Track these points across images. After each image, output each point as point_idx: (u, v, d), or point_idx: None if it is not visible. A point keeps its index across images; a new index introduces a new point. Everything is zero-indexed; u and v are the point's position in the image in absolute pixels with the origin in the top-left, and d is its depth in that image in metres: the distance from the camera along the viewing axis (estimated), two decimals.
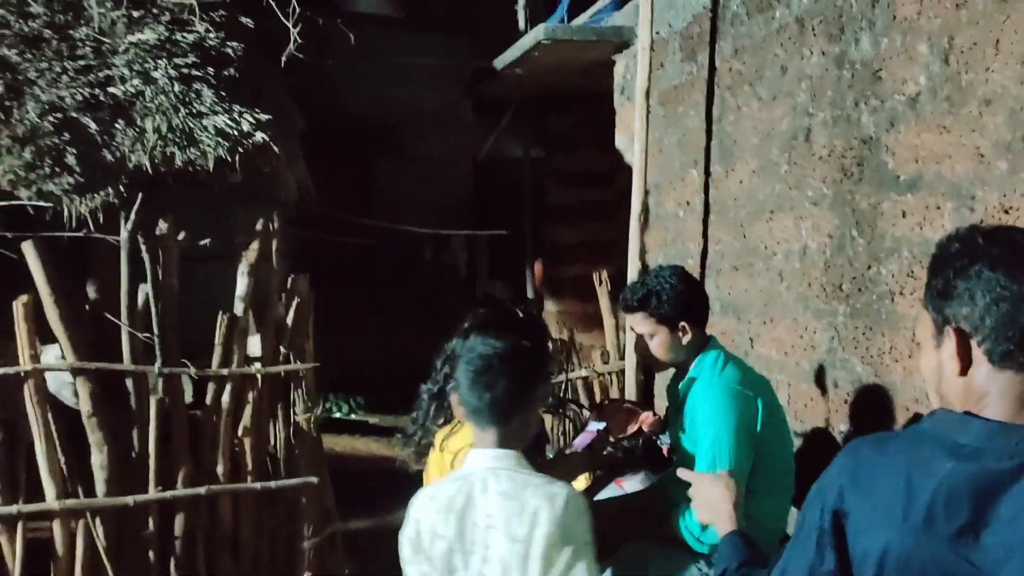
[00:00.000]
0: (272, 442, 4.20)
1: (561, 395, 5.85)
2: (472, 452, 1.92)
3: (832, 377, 3.50)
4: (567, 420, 5.71)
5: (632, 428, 2.94)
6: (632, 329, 2.81)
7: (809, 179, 3.62)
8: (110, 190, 3.97)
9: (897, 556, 1.25)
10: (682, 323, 2.75)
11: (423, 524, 1.88)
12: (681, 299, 2.77)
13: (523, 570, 1.77)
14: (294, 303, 4.19)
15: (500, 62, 6.77)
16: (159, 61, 4.26)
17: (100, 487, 3.82)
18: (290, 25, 4.69)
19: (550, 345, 2.44)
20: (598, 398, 5.12)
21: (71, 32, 4.31)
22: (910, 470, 1.27)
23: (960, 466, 1.23)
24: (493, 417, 1.87)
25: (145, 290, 3.90)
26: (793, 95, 3.73)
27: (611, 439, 2.84)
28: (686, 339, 2.76)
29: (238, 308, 4.10)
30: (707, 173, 4.44)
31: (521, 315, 2.56)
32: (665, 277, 2.79)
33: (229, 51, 4.47)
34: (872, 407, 3.28)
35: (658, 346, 2.78)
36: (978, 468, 1.22)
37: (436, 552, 1.85)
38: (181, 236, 3.96)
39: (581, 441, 2.69)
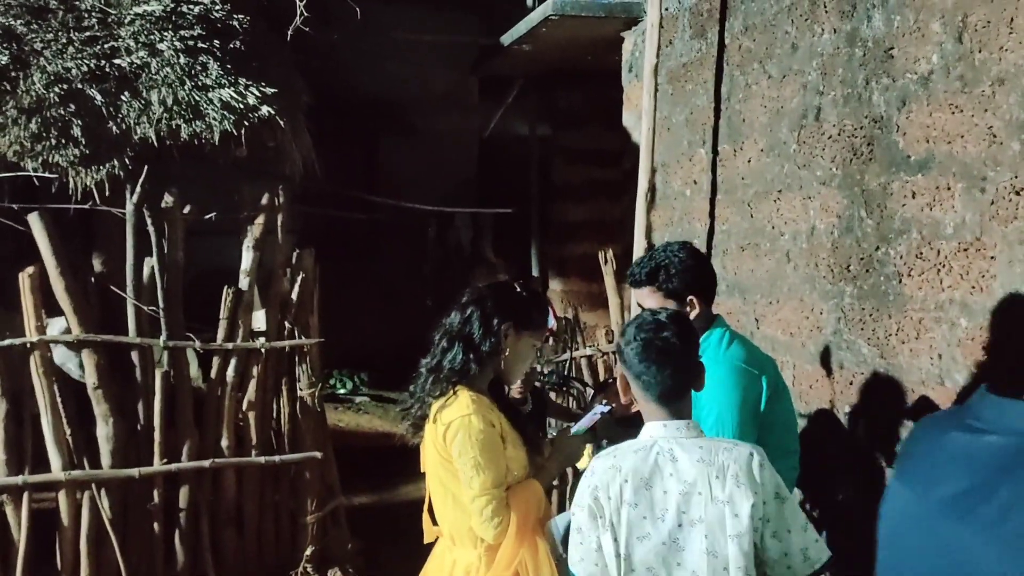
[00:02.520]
0: (276, 417, 4.21)
1: (565, 373, 5.85)
2: (648, 424, 2.06)
3: (838, 358, 3.49)
4: (571, 398, 5.72)
5: (635, 407, 2.93)
6: (639, 305, 2.78)
7: (818, 158, 3.59)
8: (115, 162, 3.95)
9: (893, 514, 1.28)
10: (690, 297, 2.73)
11: (605, 492, 1.98)
12: (689, 273, 2.75)
13: (733, 526, 1.88)
14: (299, 278, 4.20)
15: (508, 38, 6.72)
16: (165, 33, 4.22)
17: (106, 459, 3.84)
18: None
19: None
20: (602, 377, 5.11)
21: (77, 3, 4.28)
22: (932, 439, 1.30)
23: (963, 436, 1.24)
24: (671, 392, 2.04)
25: (151, 263, 3.91)
26: (803, 73, 3.69)
27: (613, 418, 2.83)
28: (694, 314, 2.73)
29: (243, 282, 4.10)
30: (715, 152, 4.41)
31: (519, 290, 2.57)
32: (673, 251, 2.77)
33: (235, 24, 4.43)
34: (877, 389, 3.27)
35: None
36: (978, 439, 1.22)
37: (623, 518, 1.95)
38: (187, 210, 3.96)
39: (584, 423, 2.68)
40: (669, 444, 1.99)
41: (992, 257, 2.75)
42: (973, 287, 2.82)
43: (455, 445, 2.34)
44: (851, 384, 3.42)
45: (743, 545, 1.88)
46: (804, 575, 1.93)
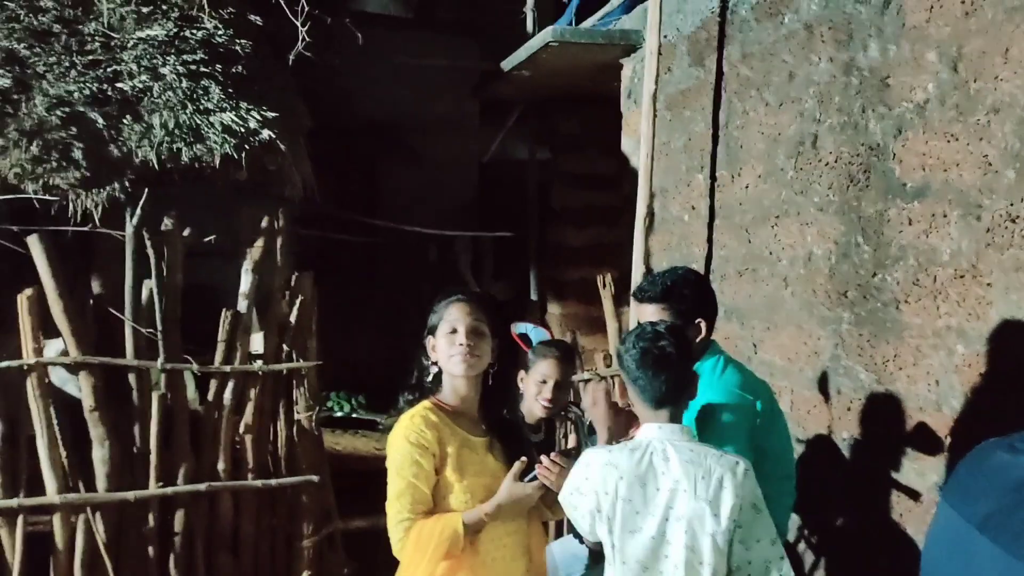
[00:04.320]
0: (273, 440, 4.20)
1: None
2: (645, 426, 2.18)
3: (835, 384, 3.49)
4: (568, 422, 5.70)
5: (633, 432, 2.93)
6: (639, 323, 2.77)
7: (815, 185, 3.61)
8: (116, 185, 3.97)
9: (935, 531, 1.30)
10: (699, 320, 2.75)
11: (603, 488, 2.10)
12: (699, 295, 2.80)
13: (712, 524, 2.01)
14: (298, 301, 4.20)
15: (508, 63, 6.77)
16: (167, 57, 4.26)
17: (101, 482, 3.83)
18: (298, 24, 4.70)
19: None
20: None
21: (80, 27, 4.32)
22: (977, 459, 1.32)
23: (1005, 456, 1.26)
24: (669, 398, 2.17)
25: (149, 286, 3.91)
26: (800, 101, 3.72)
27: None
28: (699, 337, 2.75)
29: (242, 305, 4.11)
30: (713, 178, 4.43)
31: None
32: (683, 274, 2.82)
33: (237, 48, 4.47)
34: (875, 415, 3.27)
35: None
36: (1017, 459, 1.24)
37: (617, 513, 2.08)
38: (186, 232, 3.97)
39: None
40: (663, 444, 2.12)
41: (988, 284, 2.76)
42: (970, 314, 2.83)
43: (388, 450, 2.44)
44: (849, 410, 3.41)
45: (718, 543, 2.01)
46: None
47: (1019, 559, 1.15)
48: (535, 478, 2.38)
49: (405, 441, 2.38)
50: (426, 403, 2.46)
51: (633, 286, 4.72)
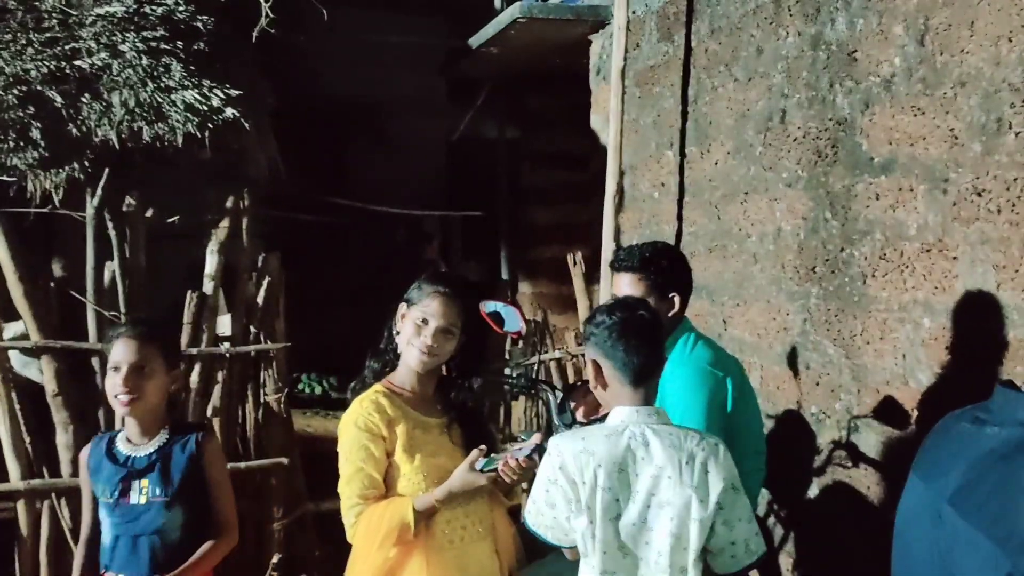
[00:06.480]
0: (242, 422, 4.16)
1: (534, 377, 5.85)
2: (618, 409, 2.08)
3: (804, 359, 3.51)
4: (539, 402, 5.71)
5: (603, 410, 2.91)
6: (614, 296, 2.74)
7: (784, 161, 3.62)
8: (76, 165, 3.89)
9: (907, 505, 1.32)
10: (673, 294, 2.74)
11: (580, 477, 2.01)
12: (676, 269, 2.79)
13: (699, 511, 1.97)
14: (265, 282, 4.15)
15: (476, 40, 6.71)
16: (127, 34, 4.16)
17: (65, 467, 3.78)
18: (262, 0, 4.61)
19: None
20: (571, 380, 5.11)
21: (37, 3, 4.21)
22: (943, 432, 1.33)
23: (969, 427, 1.27)
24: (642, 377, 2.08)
25: (112, 267, 3.85)
26: (769, 76, 3.72)
27: (581, 421, 2.81)
28: (671, 312, 2.73)
29: (207, 287, 4.06)
30: (682, 154, 4.43)
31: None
32: (662, 248, 2.82)
33: (199, 25, 4.37)
34: (843, 389, 3.29)
35: None
36: (980, 430, 1.25)
37: (598, 501, 1.99)
38: (149, 213, 3.90)
39: (495, 460, 2.48)
40: (640, 428, 2.04)
41: (954, 258, 2.77)
42: (936, 287, 2.85)
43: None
44: (817, 384, 3.44)
45: (704, 529, 1.98)
46: (743, 565, 2.03)
47: (984, 533, 1.16)
48: (494, 470, 2.31)
49: (353, 426, 2.36)
50: (377, 387, 2.44)
51: (603, 264, 4.72)
